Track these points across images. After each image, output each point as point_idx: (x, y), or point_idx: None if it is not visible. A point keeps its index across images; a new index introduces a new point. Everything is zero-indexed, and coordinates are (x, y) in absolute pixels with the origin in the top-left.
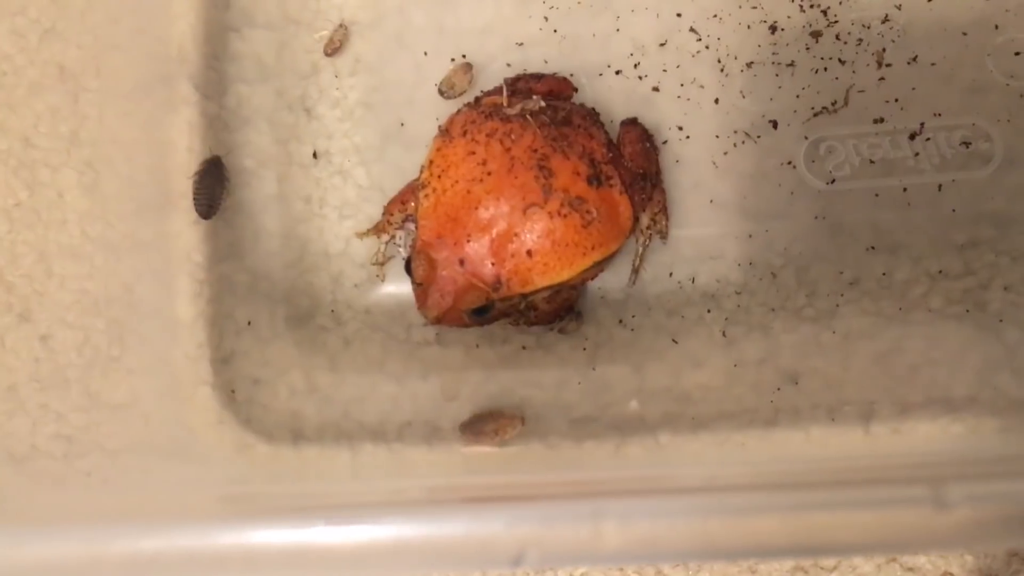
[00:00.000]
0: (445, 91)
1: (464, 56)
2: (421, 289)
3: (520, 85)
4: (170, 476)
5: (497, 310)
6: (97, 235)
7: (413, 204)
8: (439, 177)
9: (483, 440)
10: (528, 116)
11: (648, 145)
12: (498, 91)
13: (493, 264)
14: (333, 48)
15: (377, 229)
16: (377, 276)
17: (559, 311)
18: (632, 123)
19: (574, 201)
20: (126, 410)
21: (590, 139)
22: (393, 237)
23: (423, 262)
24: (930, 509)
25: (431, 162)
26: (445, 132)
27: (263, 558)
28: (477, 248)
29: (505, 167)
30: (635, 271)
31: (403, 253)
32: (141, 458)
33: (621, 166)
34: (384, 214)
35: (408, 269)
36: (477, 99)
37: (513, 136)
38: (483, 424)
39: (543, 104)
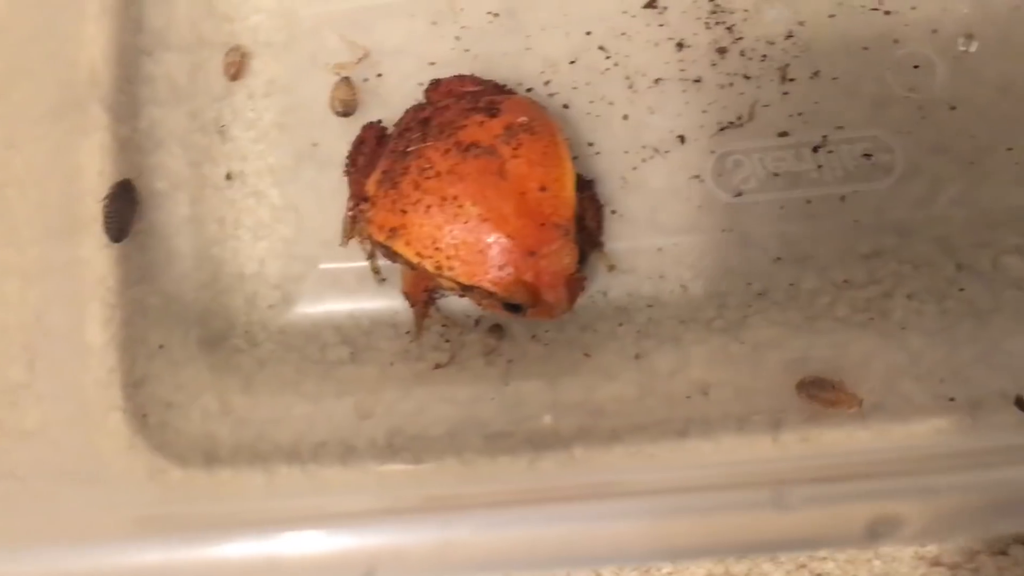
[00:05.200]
0: (340, 111)
1: (380, 75)
2: (539, 306)
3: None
4: (81, 502)
5: (580, 246)
6: (7, 261)
7: (439, 284)
8: (437, 249)
9: (815, 404)
10: (406, 151)
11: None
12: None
13: (543, 225)
14: (236, 71)
15: (419, 326)
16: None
17: (599, 214)
18: (589, 184)
19: (506, 134)
20: (36, 437)
21: (446, 108)
22: (428, 314)
23: (518, 290)
24: (771, 511)
25: (418, 254)
26: (391, 232)
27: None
28: (521, 234)
29: (455, 182)
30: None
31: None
32: (51, 485)
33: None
34: (412, 304)
35: (515, 310)
36: (357, 196)
37: (426, 164)
38: (822, 390)
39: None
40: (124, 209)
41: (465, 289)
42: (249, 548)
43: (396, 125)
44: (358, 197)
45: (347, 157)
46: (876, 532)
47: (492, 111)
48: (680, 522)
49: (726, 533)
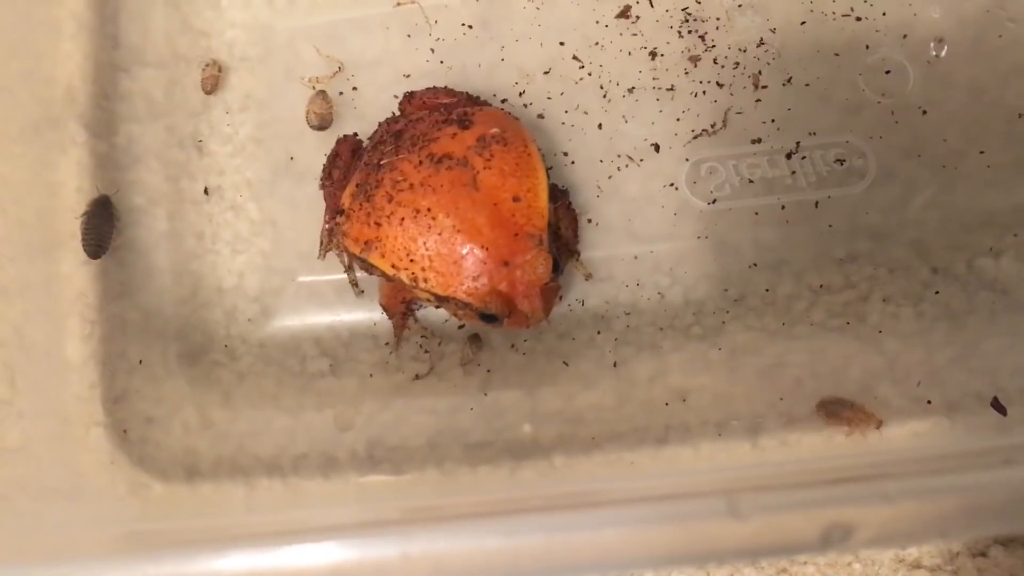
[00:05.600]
0: (315, 124)
1: (355, 88)
2: (514, 315)
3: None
4: (63, 519)
5: (555, 256)
6: None
7: (415, 295)
8: (412, 261)
9: (833, 423)
10: (379, 164)
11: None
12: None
13: (517, 235)
14: (212, 86)
15: (397, 337)
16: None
17: (574, 223)
18: (564, 194)
19: (477, 145)
20: (17, 453)
21: (419, 120)
22: (407, 325)
23: (493, 300)
24: (727, 518)
25: (393, 266)
26: (366, 245)
27: None
28: (495, 244)
29: (428, 194)
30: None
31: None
32: (33, 501)
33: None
34: (390, 316)
35: (491, 320)
36: (332, 209)
37: (399, 177)
38: (842, 409)
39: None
40: (102, 225)
41: (441, 300)
42: (231, 564)
43: (370, 138)
44: (334, 210)
45: (322, 170)
46: (830, 539)
47: (465, 123)
48: (637, 532)
49: (684, 542)
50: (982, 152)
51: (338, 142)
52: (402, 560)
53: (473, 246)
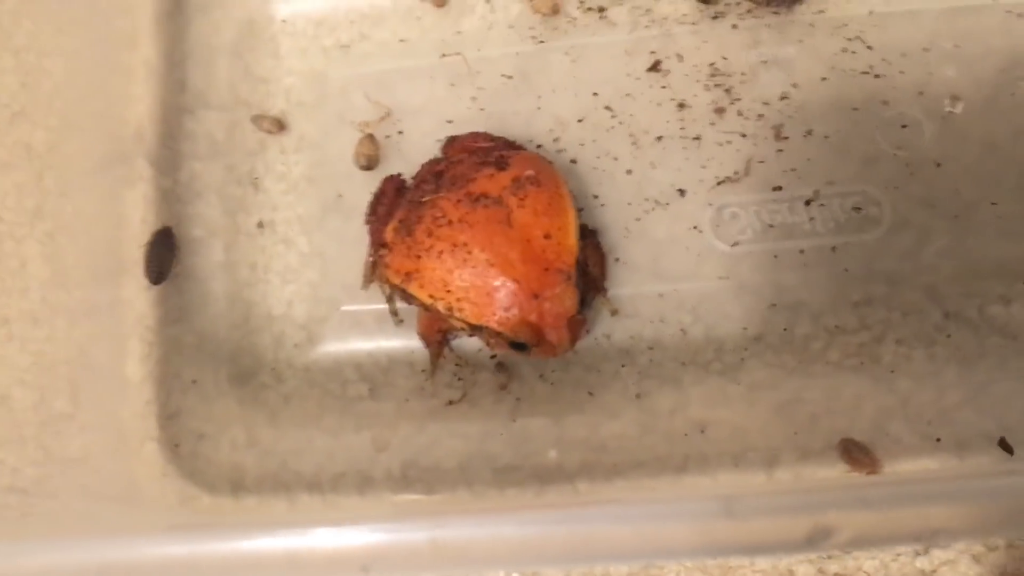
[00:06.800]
0: (363, 165)
1: (401, 132)
2: (543, 345)
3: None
4: (118, 524)
5: (582, 291)
6: (56, 301)
7: (451, 325)
8: (448, 291)
9: (843, 459)
10: (421, 201)
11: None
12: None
13: (547, 270)
14: (278, 128)
15: (433, 365)
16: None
17: (602, 261)
18: (593, 233)
19: (513, 186)
20: (78, 463)
21: (460, 162)
22: (442, 354)
23: (523, 329)
24: (721, 518)
25: (431, 296)
26: (406, 276)
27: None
28: (526, 278)
29: (465, 229)
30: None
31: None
32: (91, 507)
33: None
34: (427, 344)
35: (520, 349)
36: (376, 243)
37: (439, 213)
38: (858, 451)
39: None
40: (164, 254)
41: (474, 329)
42: (266, 544)
43: (414, 178)
44: (377, 244)
45: (368, 207)
46: (813, 539)
47: (501, 165)
48: (648, 527)
49: (685, 538)
50: (994, 204)
51: (384, 181)
52: (430, 546)
53: (506, 279)
